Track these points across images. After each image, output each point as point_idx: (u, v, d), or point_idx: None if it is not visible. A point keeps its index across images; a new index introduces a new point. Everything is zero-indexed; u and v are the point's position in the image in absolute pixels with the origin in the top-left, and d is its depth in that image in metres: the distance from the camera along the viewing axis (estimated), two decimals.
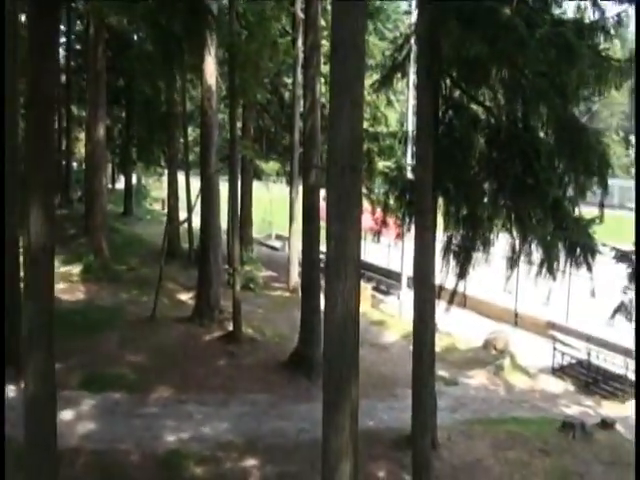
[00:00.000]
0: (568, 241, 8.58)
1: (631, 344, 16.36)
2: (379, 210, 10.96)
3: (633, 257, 8.63)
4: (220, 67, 19.64)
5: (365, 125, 23.84)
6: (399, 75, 10.16)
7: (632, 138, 65.78)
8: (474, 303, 20.97)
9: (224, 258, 18.15)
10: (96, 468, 9.07)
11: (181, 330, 15.06)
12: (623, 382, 15.32)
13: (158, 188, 44.35)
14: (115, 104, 29.95)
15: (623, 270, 9.37)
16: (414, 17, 15.99)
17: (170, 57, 23.20)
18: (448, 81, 9.21)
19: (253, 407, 11.57)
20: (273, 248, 32.09)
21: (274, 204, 30.67)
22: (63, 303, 16.41)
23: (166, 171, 28.40)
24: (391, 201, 10.33)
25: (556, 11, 8.73)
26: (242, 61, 19.40)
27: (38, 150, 6.66)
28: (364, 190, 18.82)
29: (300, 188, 16.63)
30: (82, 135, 31.50)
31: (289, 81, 25.34)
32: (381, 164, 19.74)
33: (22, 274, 9.56)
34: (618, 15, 8.20)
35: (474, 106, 9.43)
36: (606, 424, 12.48)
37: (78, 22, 33.56)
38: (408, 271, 18.82)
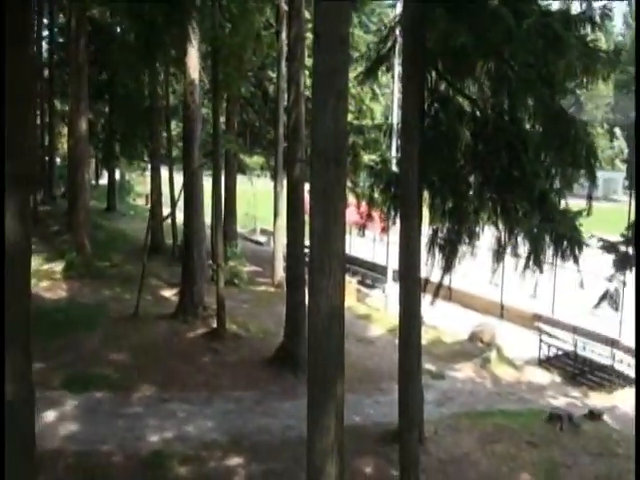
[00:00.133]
0: (555, 233, 8.53)
1: (616, 334, 16.56)
2: (364, 204, 10.85)
3: (620, 247, 8.59)
4: (203, 61, 19.42)
5: (350, 118, 23.76)
6: (384, 67, 10.05)
7: (617, 130, 66.40)
8: (460, 296, 20.99)
9: (208, 254, 17.97)
10: (78, 470, 8.89)
11: (164, 327, 14.87)
12: (610, 373, 15.39)
13: (142, 183, 44.03)
14: (98, 98, 29.61)
15: (609, 261, 9.34)
16: (399, 8, 15.88)
17: (152, 50, 23.00)
18: (434, 73, 9.10)
19: (238, 404, 11.41)
20: (258, 243, 31.93)
21: (259, 199, 30.51)
22: (45, 301, 16.23)
23: (149, 166, 28.12)
24: (376, 195, 10.23)
25: (543, 2, 8.65)
26: (225, 54, 19.19)
27: (15, 145, 6.43)
28: (349, 184, 18.86)
29: (285, 182, 16.49)
30: (65, 130, 31.12)
31: (273, 75, 25.14)
32: (366, 157, 19.71)
33: None
34: (604, 7, 8.14)
35: (460, 98, 9.33)
36: (593, 415, 12.51)
37: (61, 15, 33.11)
38: (394, 265, 18.78)
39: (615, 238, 9.28)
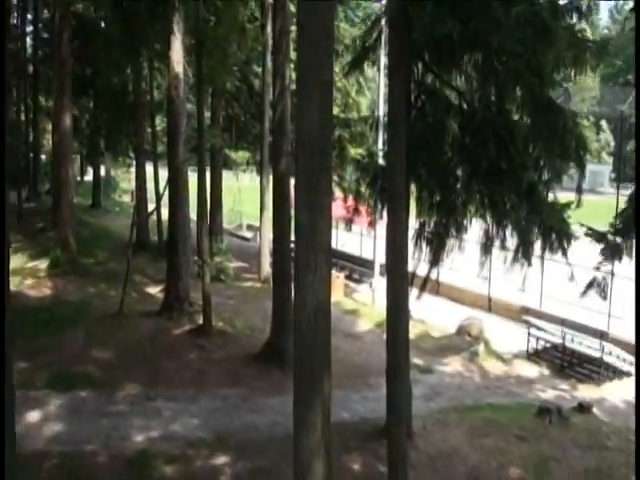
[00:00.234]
0: (543, 226, 8.45)
1: (605, 327, 16.60)
2: (351, 198, 10.73)
3: (609, 237, 8.53)
4: (188, 54, 19.20)
5: (336, 111, 23.66)
6: (370, 58, 9.90)
7: (603, 123, 66.81)
8: (447, 289, 20.93)
9: (194, 250, 17.81)
10: (63, 471, 8.74)
11: (149, 324, 14.68)
12: (599, 365, 15.40)
13: (127, 180, 43.73)
14: (83, 94, 29.30)
15: (598, 254, 9.28)
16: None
17: (136, 44, 22.80)
18: (420, 65, 8.98)
19: (224, 402, 11.28)
20: (244, 238, 31.78)
21: (244, 194, 30.31)
22: (29, 300, 16.01)
23: (134, 162, 27.88)
24: (363, 188, 10.11)
25: None
26: (209, 47, 18.98)
27: None
28: (335, 178, 18.77)
29: (271, 177, 16.33)
30: (50, 126, 30.79)
31: (259, 69, 24.95)
32: (353, 151, 19.61)
33: None
34: None
35: (447, 90, 9.22)
36: (583, 408, 12.50)
37: (45, 11, 32.71)
38: (381, 259, 18.72)
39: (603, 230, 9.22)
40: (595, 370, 15.50)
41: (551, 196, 8.66)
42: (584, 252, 9.23)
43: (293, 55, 16.77)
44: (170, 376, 12.06)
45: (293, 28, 16.42)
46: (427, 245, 9.56)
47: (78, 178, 40.16)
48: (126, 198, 42.86)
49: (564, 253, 8.80)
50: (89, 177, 40.11)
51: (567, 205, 8.61)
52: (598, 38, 8.52)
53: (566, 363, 16.11)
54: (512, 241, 8.79)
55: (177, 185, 16.18)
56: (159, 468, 8.89)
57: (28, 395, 10.56)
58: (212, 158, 25.73)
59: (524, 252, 8.40)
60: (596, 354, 15.46)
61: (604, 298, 9.38)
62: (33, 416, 10.13)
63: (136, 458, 9.04)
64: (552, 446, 10.70)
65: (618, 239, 8.57)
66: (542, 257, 9.25)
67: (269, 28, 19.36)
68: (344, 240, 23.76)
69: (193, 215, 18.34)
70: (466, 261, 10.78)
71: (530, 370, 16.03)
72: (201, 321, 14.57)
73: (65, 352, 12.88)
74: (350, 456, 9.56)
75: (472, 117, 8.56)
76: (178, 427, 10.14)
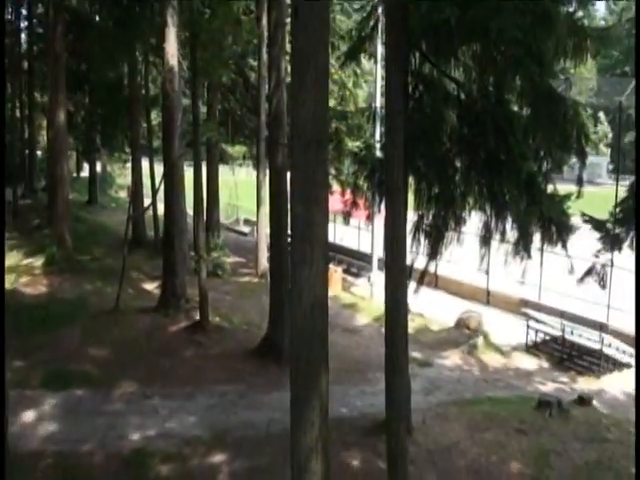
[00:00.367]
0: (543, 218, 8.34)
1: (605, 318, 16.52)
2: (348, 191, 10.62)
3: (608, 225, 8.41)
4: (183, 47, 19.03)
5: (333, 104, 23.50)
6: (366, 49, 9.76)
7: (601, 115, 66.73)
8: (446, 283, 20.85)
9: (190, 245, 17.68)
10: (58, 471, 8.66)
11: (146, 321, 14.57)
12: (598, 357, 15.32)
13: (124, 175, 43.47)
14: (78, 89, 29.07)
15: (598, 246, 9.17)
16: None
17: (130, 37, 22.61)
18: (418, 55, 8.83)
19: (221, 398, 11.18)
20: (241, 233, 31.64)
21: (241, 188, 30.15)
22: (25, 297, 15.89)
23: (130, 157, 27.70)
24: (361, 181, 9.99)
25: None
26: (204, 40, 18.80)
27: None
28: (333, 171, 18.63)
29: (267, 171, 16.21)
30: (46, 122, 30.60)
31: (255, 63, 24.76)
32: (350, 144, 19.47)
33: None
34: None
35: (445, 81, 9.07)
36: (583, 400, 12.41)
37: (40, 5, 32.44)
38: (379, 252, 18.60)
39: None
40: (595, 362, 15.41)
41: (551, 187, 8.54)
42: (584, 244, 9.11)
43: (289, 47, 16.60)
44: (167, 373, 11.96)
45: (289, 20, 16.27)
46: (425, 238, 9.45)
47: (74, 174, 39.93)
48: (122, 194, 42.63)
49: (564, 245, 8.70)
50: (85, 173, 39.86)
51: (567, 197, 8.50)
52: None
53: (565, 355, 16.03)
54: (512, 233, 8.68)
55: (173, 180, 16.03)
56: (155, 467, 8.79)
57: (24, 394, 10.46)
58: (208, 152, 25.57)
59: (524, 244, 8.28)
60: (595, 346, 15.37)
61: (603, 287, 9.29)
62: (29, 415, 10.04)
63: (132, 457, 8.95)
64: (552, 439, 10.62)
65: (618, 229, 8.47)
66: (541, 249, 9.14)
67: (264, 20, 19.18)
68: (342, 234, 23.65)
69: (190, 210, 18.25)
70: (465, 254, 10.68)
71: (529, 363, 15.96)
72: (198, 317, 14.46)
73: (61, 350, 12.77)
74: (349, 452, 9.47)
75: (470, 107, 8.43)
76: (175, 425, 10.04)
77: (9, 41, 29.93)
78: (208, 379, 11.87)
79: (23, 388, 10.56)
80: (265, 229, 18.99)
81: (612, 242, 8.54)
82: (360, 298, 20.34)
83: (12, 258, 18.25)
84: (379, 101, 18.45)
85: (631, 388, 14.44)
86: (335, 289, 20.28)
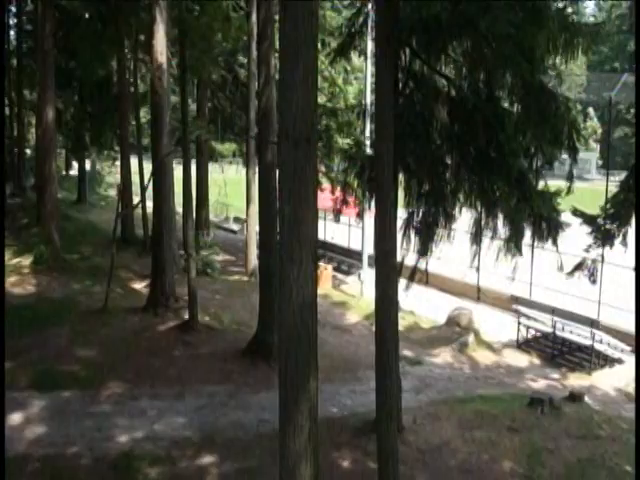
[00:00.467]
0: (533, 214, 8.29)
1: (595, 315, 16.55)
2: (339, 189, 10.54)
3: (599, 220, 8.37)
4: (172, 45, 18.87)
5: (323, 101, 23.42)
6: (356, 45, 9.66)
7: (590, 110, 67.01)
8: (436, 280, 20.83)
9: (180, 244, 17.53)
10: (46, 475, 8.48)
11: (134, 321, 14.38)
12: (589, 353, 15.32)
13: (113, 173, 43.21)
14: (67, 86, 28.82)
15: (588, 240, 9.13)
16: None
17: (119, 34, 22.41)
18: (408, 51, 8.76)
19: (210, 399, 11.03)
20: (231, 231, 31.52)
21: (232, 186, 30.02)
22: (13, 297, 15.67)
23: (120, 155, 27.53)
24: (351, 179, 9.91)
25: None
26: (193, 37, 18.66)
27: None
28: (322, 169, 18.54)
29: (257, 168, 16.08)
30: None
31: (245, 60, 24.64)
32: (340, 141, 19.40)
33: None
34: None
35: (435, 77, 9.00)
36: (574, 397, 12.39)
37: (29, 2, 32.12)
38: (369, 250, 18.54)
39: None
40: (586, 358, 15.44)
41: (541, 184, 8.49)
42: (575, 241, 9.06)
43: (279, 44, 16.49)
44: (155, 373, 11.79)
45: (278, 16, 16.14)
46: (416, 235, 9.39)
47: (63, 172, 39.65)
48: (112, 192, 42.38)
49: (554, 242, 8.66)
50: (75, 171, 39.57)
51: (557, 193, 8.45)
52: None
53: (557, 352, 16.04)
54: (503, 230, 8.63)
55: (161, 178, 15.88)
56: (143, 470, 8.64)
57: (11, 396, 10.27)
58: (198, 150, 25.43)
59: (516, 242, 8.22)
60: (586, 342, 15.38)
61: (593, 283, 9.24)
62: (15, 418, 9.84)
63: (120, 460, 8.79)
64: (544, 437, 10.58)
65: (609, 225, 8.42)
66: (532, 246, 9.10)
67: (254, 17, 19.02)
68: (332, 231, 23.57)
69: (179, 208, 18.10)
70: (456, 251, 10.62)
71: (520, 360, 15.94)
72: (187, 316, 14.31)
73: (49, 350, 12.59)
74: (339, 453, 9.37)
75: (461, 104, 8.36)
76: (163, 426, 9.88)
77: None
78: (197, 379, 11.72)
79: (10, 390, 10.37)
80: (255, 227, 18.87)
81: (603, 238, 8.49)
82: (350, 296, 20.29)
83: None
84: (369, 98, 18.38)
85: (622, 384, 14.48)
86: (325, 287, 20.22)
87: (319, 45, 22.52)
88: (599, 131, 68.53)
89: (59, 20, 23.26)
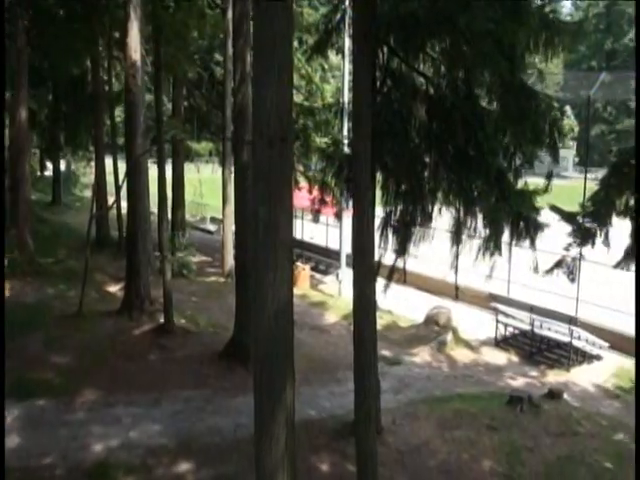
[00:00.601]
0: (512, 213, 8.23)
1: (574, 312, 16.62)
2: (316, 188, 10.41)
3: (578, 218, 8.32)
4: (147, 42, 18.57)
5: (300, 99, 23.24)
6: (333, 42, 9.53)
7: (567, 109, 67.76)
8: (414, 278, 20.79)
9: (155, 245, 17.24)
10: None
11: (109, 325, 14.07)
12: (567, 350, 15.38)
13: (89, 174, 42.63)
14: (41, 86, 28.28)
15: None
16: None
17: (93, 31, 21.99)
18: (386, 49, 8.65)
19: (187, 404, 10.80)
20: (208, 232, 31.21)
21: (208, 186, 29.72)
22: None
23: (94, 156, 27.13)
24: (328, 178, 9.79)
25: None
26: (168, 34, 18.36)
27: None
28: (300, 168, 18.38)
29: (233, 168, 15.87)
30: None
31: (221, 58, 24.38)
32: (317, 140, 19.24)
33: None
34: None
35: (414, 75, 8.90)
36: (553, 394, 12.42)
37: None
38: (347, 249, 18.44)
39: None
40: (564, 355, 15.50)
41: (521, 183, 8.44)
42: (554, 239, 9.02)
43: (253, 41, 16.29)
44: (130, 379, 11.52)
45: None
46: (394, 234, 9.29)
47: (38, 173, 38.99)
48: (87, 193, 41.80)
49: (532, 242, 8.62)
50: (49, 172, 38.95)
51: (536, 192, 8.40)
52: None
53: (535, 349, 16.08)
54: (482, 229, 8.56)
55: (136, 178, 15.59)
56: (118, 479, 8.44)
57: None
58: (173, 150, 25.13)
59: (495, 241, 8.15)
60: (565, 339, 15.44)
61: (572, 281, 9.20)
62: None
63: (94, 470, 8.54)
64: (523, 435, 10.56)
65: (589, 223, 8.37)
66: (510, 244, 9.05)
67: (230, 13, 18.79)
68: (311, 231, 23.42)
69: (155, 209, 17.81)
70: (435, 250, 10.55)
71: (499, 357, 15.95)
72: (162, 319, 14.06)
73: (23, 357, 12.20)
74: (317, 457, 9.23)
75: (439, 103, 8.27)
76: (138, 434, 9.64)
77: None
78: (173, 384, 11.47)
79: None
80: (231, 227, 18.66)
81: (583, 236, 8.45)
82: (329, 296, 20.16)
83: None
84: (347, 96, 18.25)
85: (600, 380, 14.58)
86: (303, 287, 20.08)
87: (296, 42, 22.42)
88: (576, 129, 69.28)
89: (33, 18, 22.76)
